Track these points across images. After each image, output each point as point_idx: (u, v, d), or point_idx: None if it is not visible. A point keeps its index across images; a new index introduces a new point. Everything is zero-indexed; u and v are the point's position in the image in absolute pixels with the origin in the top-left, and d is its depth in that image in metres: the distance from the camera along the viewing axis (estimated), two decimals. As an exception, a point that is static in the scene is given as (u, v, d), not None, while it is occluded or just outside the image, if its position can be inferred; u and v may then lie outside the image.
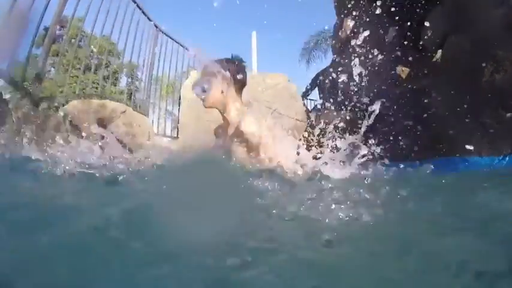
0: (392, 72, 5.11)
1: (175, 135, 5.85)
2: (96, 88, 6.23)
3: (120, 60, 9.38)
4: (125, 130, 3.98)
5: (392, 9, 5.30)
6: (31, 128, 2.45)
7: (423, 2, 4.88)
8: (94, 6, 4.31)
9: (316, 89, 8.64)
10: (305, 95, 8.92)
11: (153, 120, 5.65)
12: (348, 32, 5.72)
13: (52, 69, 7.56)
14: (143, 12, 5.37)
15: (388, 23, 5.32)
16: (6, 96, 2.65)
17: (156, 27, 5.89)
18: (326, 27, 14.71)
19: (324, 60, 15.87)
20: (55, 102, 4.05)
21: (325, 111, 4.84)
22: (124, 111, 4.08)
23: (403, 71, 5.65)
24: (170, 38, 6.26)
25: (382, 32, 5.30)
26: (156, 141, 4.69)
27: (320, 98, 8.64)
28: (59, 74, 6.06)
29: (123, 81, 16.41)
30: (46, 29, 3.70)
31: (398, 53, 5.13)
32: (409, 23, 5.11)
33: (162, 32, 6.08)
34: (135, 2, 5.07)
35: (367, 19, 5.46)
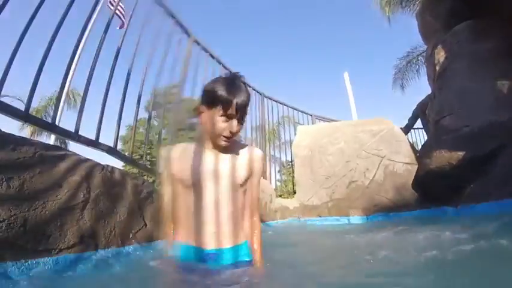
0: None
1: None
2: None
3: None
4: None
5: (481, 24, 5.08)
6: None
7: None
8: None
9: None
10: (407, 129, 8.64)
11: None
12: (441, 61, 5.55)
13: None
14: (250, 86, 6.17)
15: (480, 40, 5.07)
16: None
17: (261, 94, 6.72)
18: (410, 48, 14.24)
19: (418, 81, 15.05)
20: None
21: (435, 152, 4.70)
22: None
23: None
24: (274, 100, 7.09)
25: (476, 49, 5.02)
26: (277, 202, 5.10)
27: (425, 130, 8.35)
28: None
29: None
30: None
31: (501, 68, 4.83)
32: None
33: (266, 97, 6.90)
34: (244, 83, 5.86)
35: (457, 42, 5.29)
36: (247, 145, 1.65)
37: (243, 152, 1.60)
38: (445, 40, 5.56)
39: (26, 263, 1.45)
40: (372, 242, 2.99)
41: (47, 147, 1.84)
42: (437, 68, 5.57)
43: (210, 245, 1.48)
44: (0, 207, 1.42)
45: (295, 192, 5.97)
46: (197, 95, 4.75)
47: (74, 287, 1.44)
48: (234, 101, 1.40)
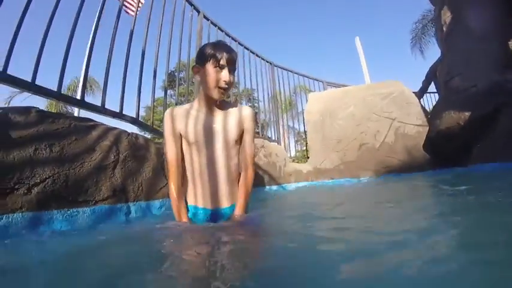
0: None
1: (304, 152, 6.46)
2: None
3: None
4: (266, 161, 4.78)
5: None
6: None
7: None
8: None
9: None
10: (422, 93, 8.62)
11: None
12: (448, 22, 5.50)
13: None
14: (257, 55, 6.35)
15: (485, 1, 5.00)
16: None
17: (270, 63, 6.89)
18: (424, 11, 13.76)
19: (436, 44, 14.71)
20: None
21: (445, 113, 4.79)
22: (263, 146, 4.90)
23: None
24: (284, 69, 7.23)
25: (482, 10, 4.98)
26: (291, 166, 5.38)
27: (438, 92, 8.33)
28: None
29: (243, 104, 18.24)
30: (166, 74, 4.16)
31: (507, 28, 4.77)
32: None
33: (276, 66, 7.06)
34: (248, 49, 6.06)
35: (463, 2, 5.21)
36: (237, 105, 1.82)
37: (234, 111, 1.74)
38: (451, 1, 5.51)
39: (68, 211, 1.80)
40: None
41: (80, 119, 2.18)
42: (444, 29, 5.56)
43: (211, 204, 1.64)
44: (46, 167, 1.76)
45: (308, 157, 6.21)
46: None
47: (105, 235, 1.66)
48: (223, 52, 1.60)
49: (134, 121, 3.01)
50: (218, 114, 1.72)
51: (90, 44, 2.71)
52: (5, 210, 1.51)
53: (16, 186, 1.57)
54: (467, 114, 4.37)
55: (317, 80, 8.22)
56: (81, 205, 1.88)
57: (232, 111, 1.75)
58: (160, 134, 3.67)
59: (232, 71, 1.65)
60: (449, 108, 4.65)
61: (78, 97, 2.55)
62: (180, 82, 11.87)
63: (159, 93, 13.31)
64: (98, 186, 2.01)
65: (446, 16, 5.44)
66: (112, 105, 2.81)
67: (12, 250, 1.35)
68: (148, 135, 4.05)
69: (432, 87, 8.56)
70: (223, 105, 1.75)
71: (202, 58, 1.64)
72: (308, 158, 6.24)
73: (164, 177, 2.58)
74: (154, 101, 3.70)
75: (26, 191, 1.60)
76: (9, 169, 1.58)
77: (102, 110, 2.61)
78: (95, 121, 2.30)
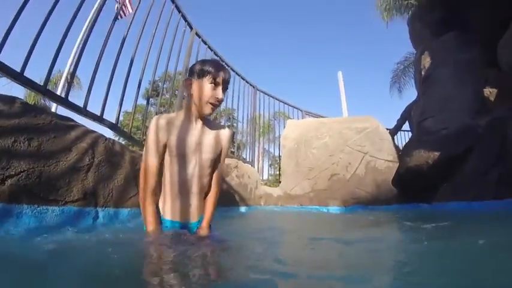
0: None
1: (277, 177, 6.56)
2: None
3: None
4: (238, 182, 4.83)
5: (466, 35, 5.42)
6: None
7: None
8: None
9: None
10: (396, 130, 9.00)
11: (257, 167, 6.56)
12: (427, 67, 5.88)
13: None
14: (242, 78, 6.51)
15: (464, 50, 5.41)
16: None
17: (253, 87, 7.06)
18: (408, 53, 14.49)
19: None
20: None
21: (415, 151, 5.03)
22: (236, 166, 4.96)
23: (490, 92, 5.61)
24: (266, 94, 7.42)
25: (460, 58, 5.38)
26: (262, 189, 5.45)
27: (411, 131, 8.72)
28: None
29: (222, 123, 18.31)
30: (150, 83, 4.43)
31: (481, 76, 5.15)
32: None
33: (259, 90, 7.24)
34: (234, 70, 6.21)
35: (443, 50, 5.61)
36: (219, 123, 1.92)
37: (216, 129, 1.80)
38: (432, 47, 5.90)
39: (38, 208, 1.79)
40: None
41: (61, 117, 2.17)
42: (422, 72, 5.92)
43: (189, 217, 1.69)
44: (22, 161, 1.75)
45: (280, 182, 6.30)
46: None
47: (73, 235, 1.72)
48: (221, 73, 1.67)
49: (113, 126, 3.02)
50: (202, 130, 1.75)
51: (83, 44, 2.73)
52: (-24, 197, 1.49)
53: (-10, 176, 1.56)
54: (436, 154, 4.61)
55: (296, 108, 8.48)
56: (51, 203, 1.86)
57: (214, 129, 1.80)
58: (136, 142, 3.68)
59: (224, 90, 1.72)
60: (420, 147, 4.90)
61: (58, 93, 2.55)
62: (162, 92, 11.84)
63: (140, 100, 13.18)
64: (70, 187, 2.00)
65: (426, 61, 5.80)
66: (91, 106, 2.83)
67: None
68: (122, 141, 4.03)
69: (406, 126, 8.97)
70: (207, 121, 1.79)
71: (199, 72, 1.69)
72: (280, 182, 6.33)
73: (135, 186, 2.58)
74: (134, 108, 3.72)
75: (-1, 182, 1.59)
76: (-15, 157, 1.57)
77: (83, 111, 2.61)
78: (75, 121, 2.30)
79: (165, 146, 1.68)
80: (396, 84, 15.82)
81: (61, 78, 11.09)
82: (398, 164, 5.44)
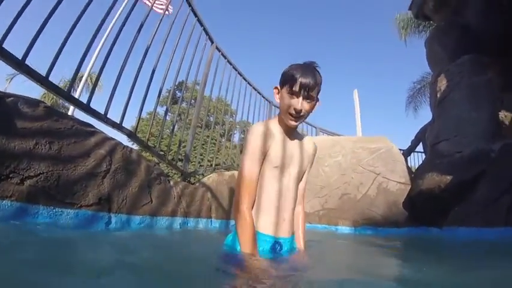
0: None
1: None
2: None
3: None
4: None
5: (481, 58, 5.38)
6: (186, 200, 3.12)
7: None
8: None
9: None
10: (409, 152, 8.92)
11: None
12: (443, 89, 5.82)
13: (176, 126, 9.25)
14: (258, 92, 6.58)
15: (480, 73, 5.35)
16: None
17: (270, 102, 7.10)
18: (425, 73, 14.41)
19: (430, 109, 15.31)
20: (197, 174, 5.16)
21: (428, 174, 4.96)
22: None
23: (505, 116, 5.52)
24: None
25: (476, 81, 5.32)
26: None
27: (424, 153, 8.61)
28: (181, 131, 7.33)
29: (236, 136, 18.40)
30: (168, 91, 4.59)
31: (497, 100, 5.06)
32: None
33: (274, 106, 7.28)
34: (251, 85, 6.27)
35: (458, 73, 5.56)
36: (306, 135, 1.82)
37: (306, 143, 1.72)
38: (448, 70, 5.85)
39: (54, 210, 1.84)
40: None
41: (82, 123, 2.23)
42: (438, 95, 5.87)
43: (282, 233, 1.56)
44: (42, 163, 1.81)
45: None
46: (214, 94, 5.36)
47: (86, 241, 1.74)
48: (299, 80, 1.49)
49: (130, 135, 3.07)
50: (295, 142, 1.67)
51: (108, 50, 2.78)
52: (-4, 194, 1.54)
53: (11, 175, 1.61)
54: (449, 178, 4.53)
55: (311, 125, 8.48)
56: (66, 206, 1.91)
57: (305, 143, 1.72)
58: (152, 151, 3.71)
59: (306, 98, 1.53)
60: (433, 170, 4.81)
61: (77, 95, 2.62)
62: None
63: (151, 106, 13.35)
64: (86, 192, 2.05)
65: (442, 83, 5.75)
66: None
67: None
68: (136, 147, 4.08)
69: (420, 147, 8.88)
70: (296, 133, 1.70)
71: (282, 79, 1.59)
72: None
73: (149, 194, 2.61)
74: (147, 115, 3.80)
75: (19, 182, 1.64)
76: (7, 157, 1.62)
77: (104, 118, 2.67)
78: (95, 128, 2.36)
79: (264, 155, 1.55)
80: (412, 103, 15.75)
81: (79, 79, 11.27)
82: (410, 186, 5.36)
